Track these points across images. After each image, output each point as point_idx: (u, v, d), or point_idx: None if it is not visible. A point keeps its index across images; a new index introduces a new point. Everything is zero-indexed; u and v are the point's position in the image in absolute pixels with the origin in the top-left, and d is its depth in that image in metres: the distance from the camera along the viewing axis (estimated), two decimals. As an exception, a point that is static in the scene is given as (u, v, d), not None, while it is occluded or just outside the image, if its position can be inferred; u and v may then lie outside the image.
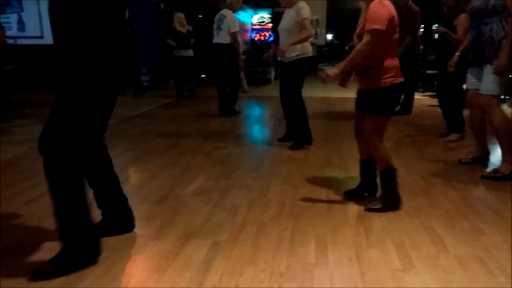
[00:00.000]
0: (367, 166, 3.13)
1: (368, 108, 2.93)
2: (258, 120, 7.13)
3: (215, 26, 6.54)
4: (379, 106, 2.87)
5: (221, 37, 6.44)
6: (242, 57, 9.79)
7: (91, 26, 1.98)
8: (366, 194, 3.16)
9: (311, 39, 4.62)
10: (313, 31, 14.02)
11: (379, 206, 2.93)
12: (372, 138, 2.90)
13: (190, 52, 8.66)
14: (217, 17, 6.54)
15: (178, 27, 8.50)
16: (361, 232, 2.61)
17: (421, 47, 10.69)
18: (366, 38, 2.76)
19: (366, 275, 2.13)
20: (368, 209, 2.93)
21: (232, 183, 3.52)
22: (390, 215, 2.86)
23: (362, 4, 3.00)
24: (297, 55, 4.52)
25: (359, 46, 2.79)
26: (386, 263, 2.25)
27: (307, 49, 4.56)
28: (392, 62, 2.86)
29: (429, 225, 2.72)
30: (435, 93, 9.01)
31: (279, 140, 5.01)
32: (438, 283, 2.06)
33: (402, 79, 2.89)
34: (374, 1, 2.80)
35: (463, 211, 2.94)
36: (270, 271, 2.16)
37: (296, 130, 4.78)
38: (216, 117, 6.63)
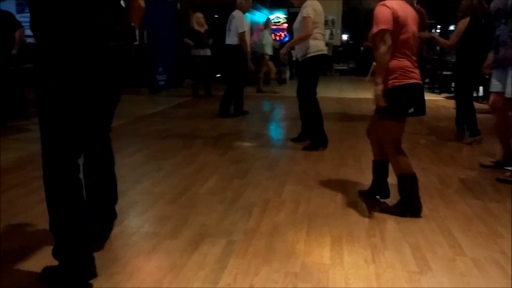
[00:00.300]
0: (379, 167, 3.09)
1: (375, 110, 2.91)
2: (273, 120, 7.12)
3: (227, 27, 6.57)
4: (382, 109, 2.78)
5: (230, 38, 6.47)
6: (267, 57, 9.87)
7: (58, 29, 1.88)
8: (377, 197, 3.13)
9: (319, 37, 4.50)
10: (328, 31, 13.97)
11: (393, 210, 2.88)
12: (385, 142, 2.89)
13: (208, 52, 8.71)
14: (229, 18, 6.57)
15: (196, 26, 8.57)
16: (377, 234, 2.59)
17: (437, 47, 10.59)
18: (377, 42, 2.73)
19: (381, 276, 2.11)
20: (383, 210, 2.92)
21: (247, 183, 3.52)
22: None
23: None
24: (304, 55, 4.47)
25: (377, 54, 2.75)
26: (402, 265, 2.23)
27: (316, 47, 4.44)
28: (398, 63, 2.76)
29: (445, 227, 2.69)
30: (452, 95, 8.96)
31: (293, 140, 5.00)
32: (455, 286, 2.04)
33: (409, 81, 2.76)
34: (377, 5, 2.77)
35: (480, 214, 2.90)
36: (284, 271, 2.16)
37: (310, 132, 4.76)
38: (231, 116, 6.64)
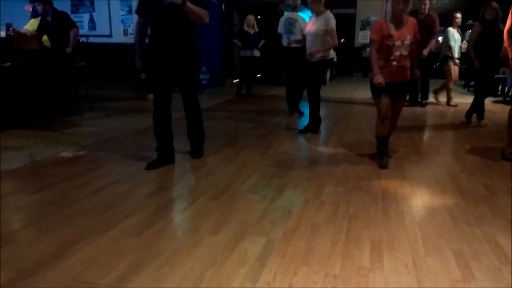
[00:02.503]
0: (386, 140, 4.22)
1: (404, 95, 4.15)
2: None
3: (283, 30, 6.53)
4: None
5: (295, 41, 6.40)
6: (457, 61, 9.71)
7: None
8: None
9: None
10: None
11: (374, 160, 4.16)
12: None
13: (255, 53, 8.78)
14: (285, 21, 6.52)
15: (246, 28, 8.70)
16: (418, 239, 2.55)
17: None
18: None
19: (423, 283, 2.08)
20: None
21: (287, 182, 3.54)
22: (449, 223, 2.78)
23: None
24: (321, 57, 5.24)
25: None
26: (444, 272, 2.19)
27: (330, 52, 5.32)
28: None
29: (491, 235, 2.61)
30: (499, 99, 8.75)
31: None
32: (500, 297, 1.99)
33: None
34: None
35: (529, 224, 2.80)
36: (324, 272, 2.17)
37: (311, 118, 5.60)
38: (272, 116, 6.67)
